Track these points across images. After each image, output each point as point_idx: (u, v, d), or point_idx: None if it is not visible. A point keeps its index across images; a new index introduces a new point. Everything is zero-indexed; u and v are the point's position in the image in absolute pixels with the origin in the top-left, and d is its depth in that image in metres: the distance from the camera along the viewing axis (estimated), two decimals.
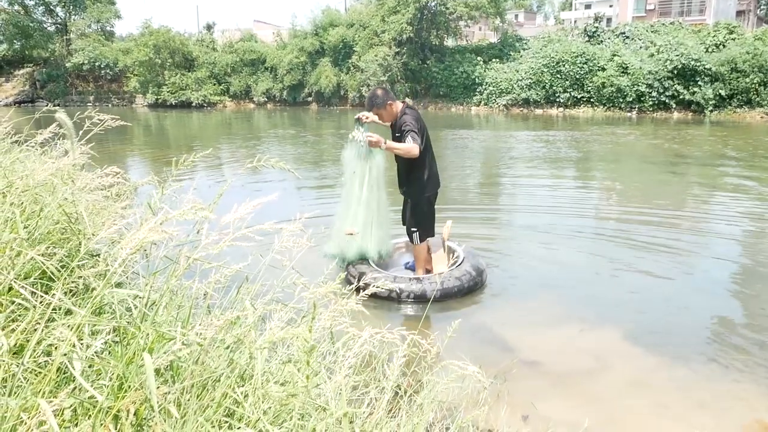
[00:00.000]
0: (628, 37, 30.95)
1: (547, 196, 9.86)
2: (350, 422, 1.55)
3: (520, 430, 2.39)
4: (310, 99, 36.02)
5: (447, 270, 5.17)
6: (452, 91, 32.64)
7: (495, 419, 2.77)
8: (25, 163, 3.23)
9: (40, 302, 1.54)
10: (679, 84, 26.25)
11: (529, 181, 11.51)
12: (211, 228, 1.77)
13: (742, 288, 5.48)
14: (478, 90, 31.76)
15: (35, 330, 1.46)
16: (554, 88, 29.45)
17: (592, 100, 28.85)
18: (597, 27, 32.52)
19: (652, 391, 3.64)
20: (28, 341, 1.49)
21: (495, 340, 4.36)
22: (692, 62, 25.83)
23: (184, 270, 1.74)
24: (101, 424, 1.28)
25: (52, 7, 41.14)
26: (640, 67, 27.21)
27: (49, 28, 41.21)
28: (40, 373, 1.41)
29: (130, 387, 1.42)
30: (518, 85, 30.29)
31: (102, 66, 38.49)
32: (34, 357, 1.45)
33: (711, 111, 25.72)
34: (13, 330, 1.48)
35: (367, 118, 4.99)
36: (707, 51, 27.11)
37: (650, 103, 26.94)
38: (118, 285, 2.07)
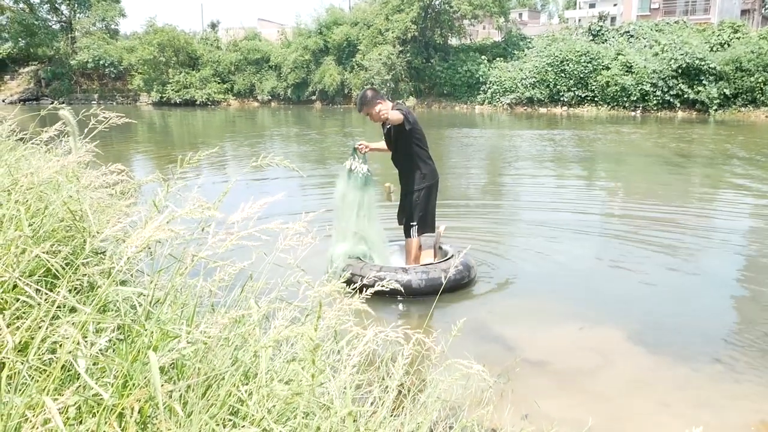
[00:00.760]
0: (632, 36, 30.89)
1: (551, 194, 9.85)
2: (354, 421, 1.55)
3: (524, 430, 2.39)
4: (314, 97, 36.05)
5: (434, 263, 5.17)
6: (456, 90, 32.63)
7: (499, 418, 2.76)
8: (30, 160, 3.24)
9: (45, 300, 1.54)
10: (683, 83, 26.19)
11: (533, 179, 11.49)
12: (216, 226, 1.77)
13: (747, 287, 5.46)
14: (482, 89, 31.74)
15: (40, 327, 1.46)
16: (558, 87, 29.42)
17: (596, 99, 28.81)
18: (601, 26, 32.46)
19: (656, 390, 3.63)
20: (32, 339, 1.49)
21: (498, 338, 4.35)
22: (697, 61, 25.77)
23: (189, 268, 1.74)
24: (106, 422, 1.28)
25: (57, 5, 41.31)
26: (645, 66, 27.15)
27: (54, 27, 41.37)
28: (44, 370, 1.41)
29: (134, 385, 1.42)
30: (522, 84, 30.26)
31: (106, 64, 38.62)
32: (39, 355, 1.45)
33: (715, 110, 25.66)
34: (18, 328, 1.49)
35: (367, 147, 5.14)
36: (712, 50, 27.05)
37: (654, 102, 26.88)
38: (123, 283, 2.07)
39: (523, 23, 51.36)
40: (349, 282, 4.27)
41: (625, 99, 27.70)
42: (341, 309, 1.75)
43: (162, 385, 1.27)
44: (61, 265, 1.84)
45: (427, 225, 5.25)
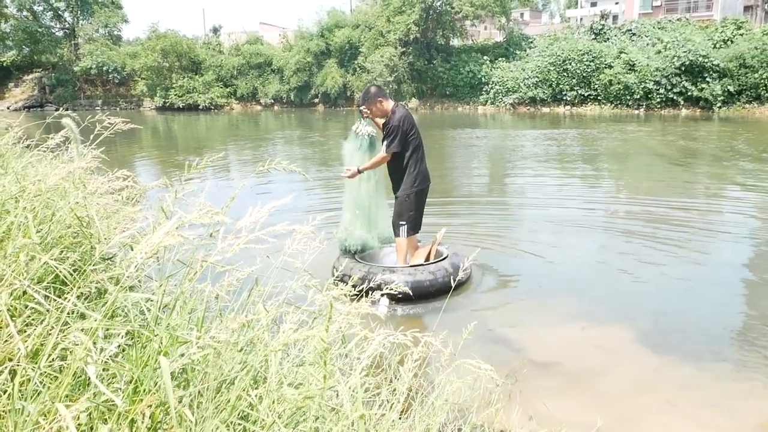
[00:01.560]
0: (634, 34, 30.82)
1: (556, 193, 9.84)
2: (364, 424, 1.55)
3: (533, 431, 2.39)
4: (316, 100, 36.09)
5: (423, 263, 5.20)
6: (458, 90, 32.62)
7: (507, 420, 2.76)
8: (36, 167, 3.25)
9: (55, 307, 1.55)
10: (686, 80, 26.13)
11: (538, 178, 11.48)
12: (224, 231, 1.78)
13: (755, 286, 5.44)
14: (484, 89, 31.73)
15: (50, 334, 1.47)
16: (561, 86, 29.38)
17: (599, 97, 28.77)
18: (603, 24, 32.41)
19: (664, 391, 3.61)
20: (42, 345, 1.49)
21: (504, 338, 4.34)
22: (700, 58, 25.71)
23: (198, 273, 1.74)
24: (119, 429, 1.28)
25: (60, 12, 41.45)
26: (648, 64, 27.09)
27: (57, 34, 41.52)
28: (56, 377, 1.42)
29: (144, 390, 1.43)
30: (525, 84, 30.24)
31: (110, 70, 38.74)
32: (49, 361, 1.46)
33: (719, 107, 25.59)
34: (28, 335, 1.49)
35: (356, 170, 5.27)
36: (715, 47, 26.98)
37: (658, 100, 26.82)
38: (131, 288, 2.08)
39: (524, 23, 51.36)
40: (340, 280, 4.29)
41: (629, 97, 27.65)
42: (350, 313, 1.76)
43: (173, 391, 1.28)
44: (69, 272, 1.85)
45: (416, 227, 5.32)
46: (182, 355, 1.46)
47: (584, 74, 28.90)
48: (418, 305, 4.87)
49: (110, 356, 1.52)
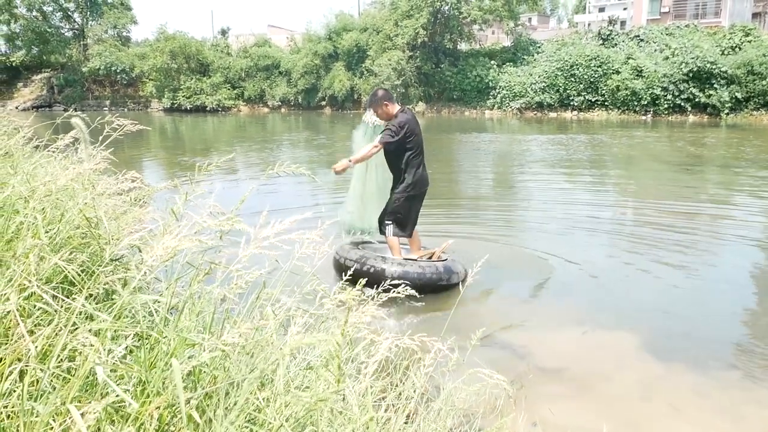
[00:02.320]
0: (642, 40, 30.76)
1: (562, 198, 9.81)
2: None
3: None
4: (323, 103, 36.16)
5: (417, 259, 5.32)
6: (466, 95, 32.61)
7: (513, 425, 2.75)
8: (46, 168, 3.27)
9: (64, 308, 1.56)
10: (694, 87, 26.05)
11: (545, 184, 11.45)
12: (233, 234, 1.78)
13: (763, 292, 5.40)
14: (491, 94, 31.71)
15: (58, 335, 1.47)
16: (568, 91, 29.34)
17: (606, 103, 28.71)
18: (611, 30, 32.36)
19: (670, 397, 3.60)
20: (51, 346, 1.50)
21: (510, 343, 4.33)
22: (708, 65, 25.62)
23: (205, 276, 1.75)
24: (127, 430, 1.28)
25: (69, 13, 41.70)
26: (655, 70, 27.03)
27: (66, 34, 41.77)
28: (65, 378, 1.42)
29: (152, 392, 1.43)
30: (532, 89, 30.21)
31: (118, 71, 38.92)
32: (58, 362, 1.46)
33: (727, 114, 25.49)
34: (38, 336, 1.50)
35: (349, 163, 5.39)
36: (723, 53, 26.89)
37: (665, 106, 26.74)
38: (139, 290, 2.08)
39: (532, 28, 51.32)
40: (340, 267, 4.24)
41: (636, 103, 27.58)
42: (359, 317, 1.75)
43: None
44: (77, 272, 1.85)
45: (404, 229, 5.39)
46: (190, 357, 1.46)
47: (592, 80, 28.85)
48: (421, 306, 4.86)
49: (118, 358, 1.52)
